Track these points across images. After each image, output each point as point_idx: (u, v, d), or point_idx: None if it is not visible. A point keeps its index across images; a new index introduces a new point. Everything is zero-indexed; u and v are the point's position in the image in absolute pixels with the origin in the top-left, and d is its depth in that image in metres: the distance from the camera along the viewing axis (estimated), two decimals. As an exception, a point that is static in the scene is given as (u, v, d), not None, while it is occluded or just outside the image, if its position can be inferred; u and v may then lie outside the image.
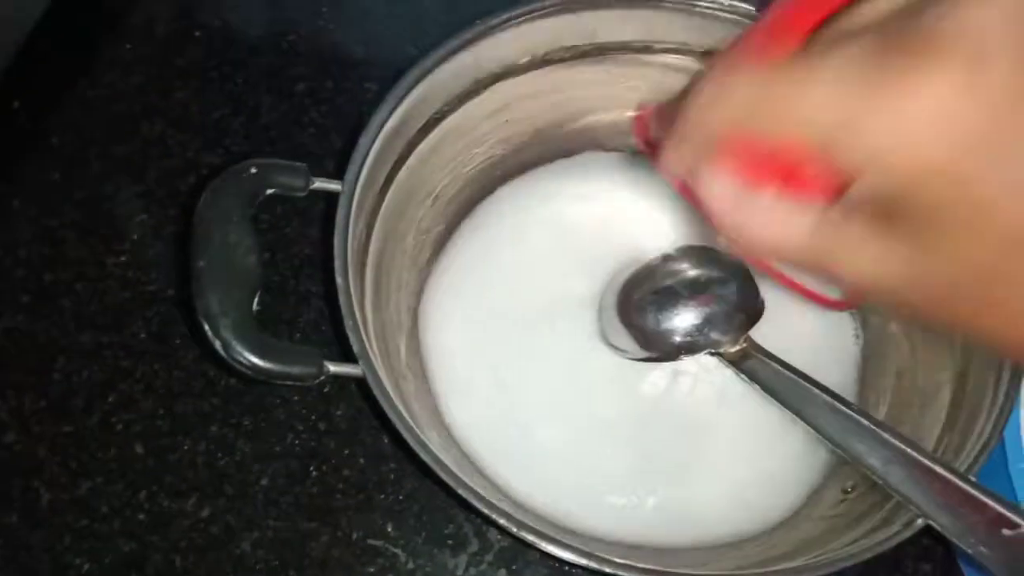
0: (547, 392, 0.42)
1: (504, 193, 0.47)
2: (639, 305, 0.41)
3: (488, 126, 0.45)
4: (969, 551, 0.31)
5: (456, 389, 0.42)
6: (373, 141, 0.38)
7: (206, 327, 0.32)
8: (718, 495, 0.39)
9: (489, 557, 0.42)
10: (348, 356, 0.34)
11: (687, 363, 0.41)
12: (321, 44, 0.53)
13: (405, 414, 0.33)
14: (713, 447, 0.41)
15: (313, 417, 0.44)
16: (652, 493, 0.39)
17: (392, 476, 0.43)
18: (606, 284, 0.44)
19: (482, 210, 0.47)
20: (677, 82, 0.46)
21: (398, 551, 0.42)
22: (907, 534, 0.32)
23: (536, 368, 0.42)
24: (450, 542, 0.42)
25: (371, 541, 0.42)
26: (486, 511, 0.31)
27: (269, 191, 0.35)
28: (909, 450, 0.33)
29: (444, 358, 0.43)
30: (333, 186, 0.37)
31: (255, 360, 0.32)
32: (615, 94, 0.47)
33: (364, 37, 0.54)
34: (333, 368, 0.33)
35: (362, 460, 0.43)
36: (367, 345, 0.34)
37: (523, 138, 0.47)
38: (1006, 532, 0.30)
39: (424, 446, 0.32)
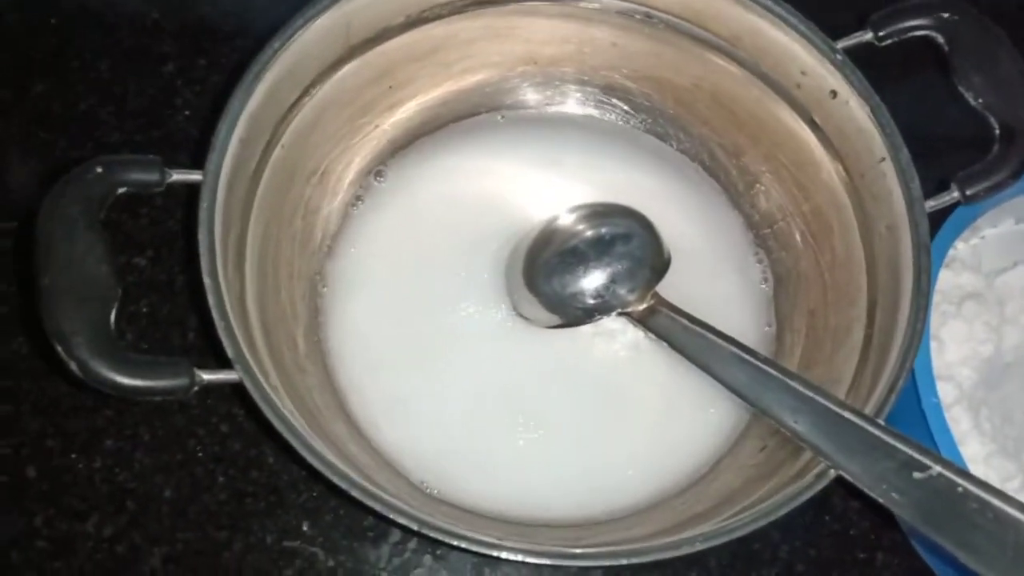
0: (457, 369, 0.40)
1: (395, 165, 0.45)
2: (544, 271, 0.40)
3: (371, 94, 0.43)
4: (880, 499, 0.30)
5: (364, 376, 0.40)
6: (234, 124, 0.35)
7: (59, 349, 0.29)
8: (634, 456, 0.39)
9: (412, 544, 0.41)
10: (227, 360, 0.31)
11: (597, 325, 0.40)
12: (188, 19, 0.50)
13: (291, 417, 0.31)
14: (627, 409, 0.40)
15: (214, 420, 0.42)
16: (565, 463, 0.38)
17: (303, 473, 0.41)
18: (511, 251, 0.42)
19: (374, 187, 0.44)
20: (569, 32, 0.43)
21: (316, 550, 0.40)
22: (819, 486, 0.31)
23: (445, 345, 0.41)
24: (370, 534, 0.41)
25: (287, 543, 0.40)
26: (381, 509, 0.30)
27: (120, 190, 0.32)
28: (817, 397, 0.32)
29: (349, 345, 0.41)
30: (194, 177, 0.34)
31: (117, 378, 0.29)
32: (502, 49, 0.44)
33: (235, 8, 0.50)
34: (207, 377, 0.31)
35: (271, 460, 0.41)
36: (243, 347, 0.31)
37: (409, 104, 0.44)
38: (917, 475, 0.30)
39: (312, 451, 0.30)
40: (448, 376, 0.40)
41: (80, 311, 0.30)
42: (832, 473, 0.31)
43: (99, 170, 0.32)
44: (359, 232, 0.43)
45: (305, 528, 0.40)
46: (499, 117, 0.46)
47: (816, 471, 0.32)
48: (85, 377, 0.29)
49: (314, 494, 0.41)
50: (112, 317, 0.30)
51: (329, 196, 0.43)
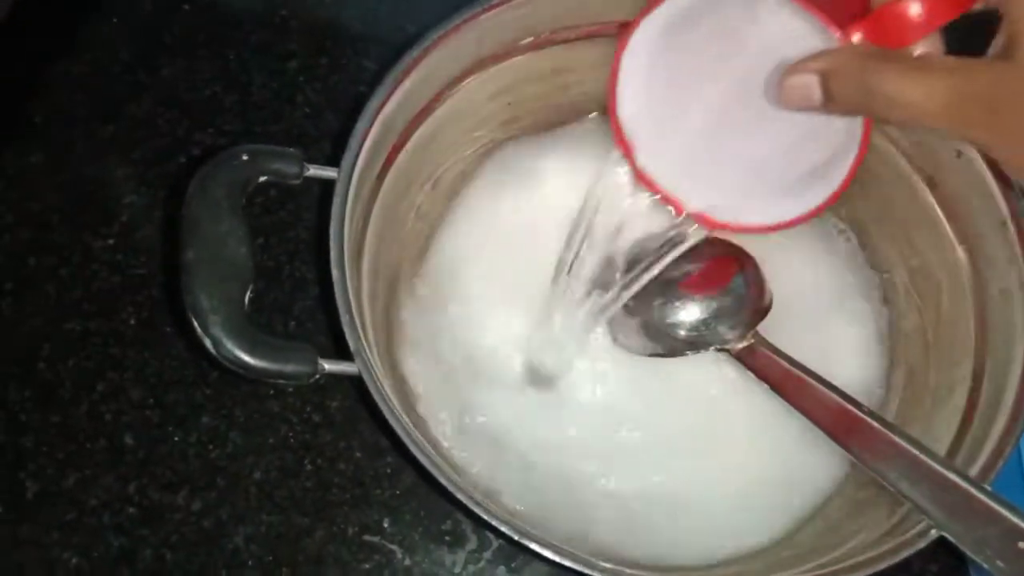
0: (551, 385, 0.41)
1: (489, 168, 0.45)
2: (644, 298, 0.40)
3: (489, 109, 0.44)
4: (984, 564, 0.30)
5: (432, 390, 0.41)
6: (370, 126, 0.36)
7: (195, 324, 0.30)
8: (724, 497, 0.38)
9: (488, 554, 0.41)
10: (343, 350, 0.32)
11: (696, 357, 0.40)
12: (315, 19, 0.51)
13: (403, 415, 0.32)
14: (720, 446, 0.39)
15: (308, 409, 0.43)
16: (654, 502, 0.38)
17: (389, 471, 0.42)
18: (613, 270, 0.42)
19: (472, 191, 0.45)
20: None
21: (395, 547, 0.41)
22: (921, 544, 0.31)
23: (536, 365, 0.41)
24: (448, 539, 0.41)
25: (367, 537, 0.41)
26: (485, 516, 0.30)
27: (261, 179, 0.34)
28: (920, 455, 0.32)
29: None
30: (329, 173, 0.35)
31: (247, 359, 0.30)
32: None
33: (360, 13, 0.52)
34: (329, 367, 0.32)
35: (358, 454, 0.42)
36: (363, 341, 0.32)
37: (526, 121, 0.45)
38: (1022, 545, 0.29)
39: (422, 448, 0.31)
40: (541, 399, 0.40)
41: (218, 289, 0.31)
42: (934, 533, 0.31)
43: (245, 157, 0.33)
44: (451, 237, 0.44)
45: (386, 525, 0.41)
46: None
47: (917, 530, 0.31)
48: (218, 354, 0.30)
49: (397, 492, 0.42)
50: (247, 299, 0.31)
51: (439, 203, 0.44)
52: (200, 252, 0.31)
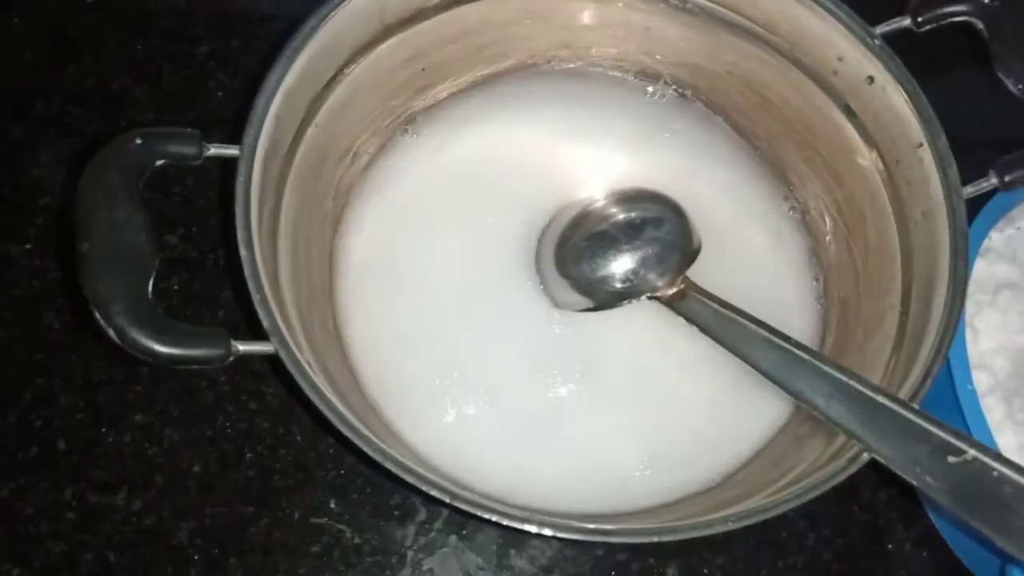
0: (483, 349, 0.40)
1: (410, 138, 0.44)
2: (574, 254, 0.40)
3: (403, 76, 0.43)
4: (914, 482, 0.30)
5: (382, 363, 0.40)
6: (271, 100, 0.35)
7: (97, 315, 0.29)
8: (669, 449, 0.38)
9: (438, 524, 0.41)
10: (261, 333, 0.32)
11: (627, 309, 0.40)
12: (223, 3, 0.50)
13: (325, 388, 0.31)
14: (660, 398, 0.39)
15: (243, 397, 0.42)
16: (595, 453, 0.38)
17: (331, 451, 0.41)
18: (540, 235, 0.42)
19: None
20: (604, 16, 0.43)
21: (343, 527, 0.40)
22: (852, 469, 0.31)
23: (469, 324, 0.40)
24: (397, 513, 0.41)
25: (314, 520, 0.40)
26: (414, 481, 0.30)
27: (159, 162, 0.33)
28: (850, 382, 0.32)
29: (368, 322, 0.41)
30: (231, 151, 0.34)
31: (154, 346, 0.29)
32: (536, 32, 0.44)
33: (268, -9, 0.51)
34: (243, 348, 0.31)
35: (299, 437, 0.42)
36: (278, 320, 0.32)
37: (441, 87, 0.44)
38: (952, 459, 0.29)
39: (346, 421, 0.30)
40: (477, 357, 0.40)
41: (119, 278, 0.30)
42: (865, 457, 0.31)
43: (139, 141, 0.32)
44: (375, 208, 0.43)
45: (332, 505, 0.40)
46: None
47: (849, 455, 0.31)
48: (123, 344, 0.29)
49: (341, 472, 0.41)
50: (150, 286, 0.30)
51: (359, 177, 0.43)
52: (97, 242, 0.30)
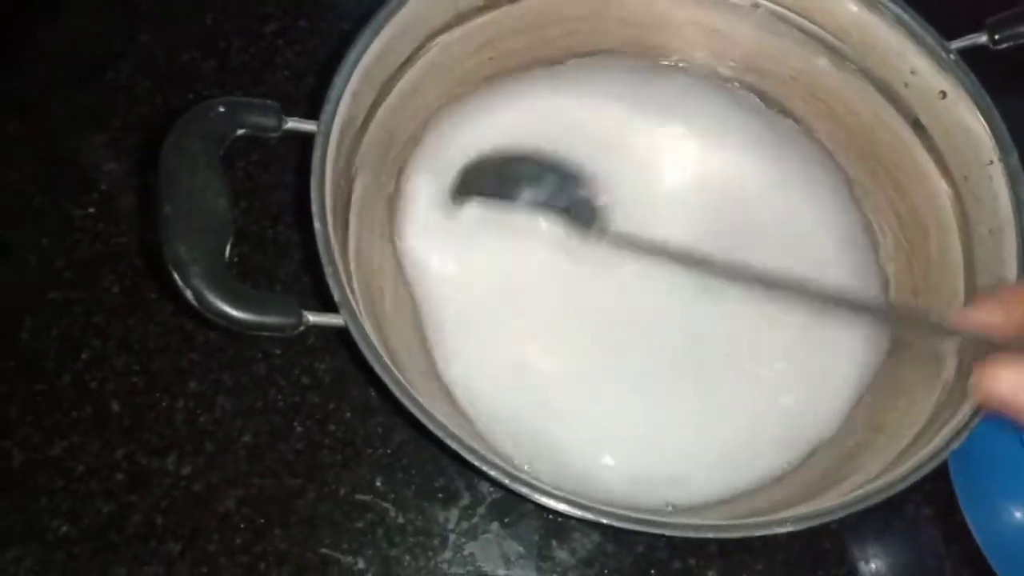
0: (545, 323, 0.40)
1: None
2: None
3: (471, 64, 0.43)
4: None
5: (449, 332, 0.40)
6: (348, 78, 0.35)
7: (176, 276, 0.30)
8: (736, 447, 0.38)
9: (481, 510, 0.41)
10: (329, 306, 0.32)
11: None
12: (292, -19, 0.51)
13: (391, 364, 0.31)
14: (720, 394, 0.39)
15: (296, 371, 0.42)
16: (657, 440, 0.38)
17: (380, 430, 0.42)
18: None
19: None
20: (673, 15, 0.43)
21: (388, 506, 0.40)
22: (903, 486, 0.31)
23: (532, 299, 0.40)
24: (441, 495, 0.41)
25: (359, 496, 0.41)
26: (477, 463, 0.30)
27: (239, 131, 0.33)
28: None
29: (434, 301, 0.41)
30: (308, 126, 0.34)
31: (229, 310, 0.30)
32: (605, 28, 0.44)
33: (339, -27, 0.51)
34: (313, 318, 0.31)
35: (348, 414, 0.42)
36: (348, 293, 0.32)
37: (508, 77, 0.45)
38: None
39: (411, 397, 0.30)
40: (532, 331, 0.40)
41: (198, 241, 0.30)
42: (917, 476, 0.31)
43: (221, 109, 0.33)
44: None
45: (378, 484, 0.41)
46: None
47: (911, 464, 0.31)
48: (200, 306, 0.30)
49: (388, 451, 0.41)
50: (227, 251, 0.31)
51: (423, 162, 0.44)
52: (178, 205, 0.31)
